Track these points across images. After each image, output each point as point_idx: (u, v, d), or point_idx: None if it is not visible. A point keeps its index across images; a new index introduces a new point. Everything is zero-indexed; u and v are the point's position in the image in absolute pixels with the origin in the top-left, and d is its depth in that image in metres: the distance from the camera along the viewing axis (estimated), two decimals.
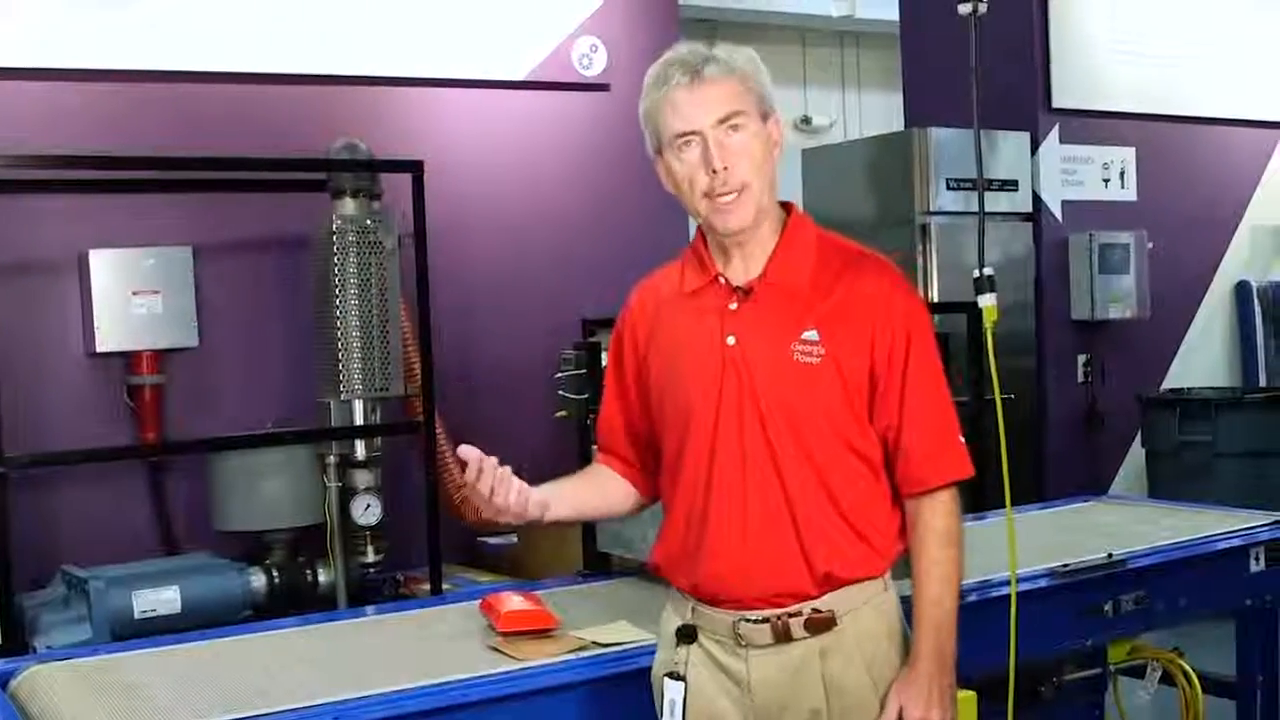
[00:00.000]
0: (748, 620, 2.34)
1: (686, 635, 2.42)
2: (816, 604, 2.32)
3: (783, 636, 2.32)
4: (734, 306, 2.37)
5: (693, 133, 2.31)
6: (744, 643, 2.35)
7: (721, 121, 2.30)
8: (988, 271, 3.14)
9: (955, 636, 2.35)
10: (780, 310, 2.34)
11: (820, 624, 2.32)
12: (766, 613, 2.33)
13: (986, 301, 3.12)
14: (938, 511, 2.35)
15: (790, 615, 2.32)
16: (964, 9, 3.35)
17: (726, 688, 2.38)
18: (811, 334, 2.31)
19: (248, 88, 5.45)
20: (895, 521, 2.38)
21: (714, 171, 2.30)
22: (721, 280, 2.40)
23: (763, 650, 2.34)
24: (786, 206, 2.44)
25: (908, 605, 2.41)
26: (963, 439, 2.39)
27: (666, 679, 2.43)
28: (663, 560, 2.48)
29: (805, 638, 2.32)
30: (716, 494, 2.35)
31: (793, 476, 2.30)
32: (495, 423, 5.87)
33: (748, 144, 2.31)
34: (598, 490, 2.63)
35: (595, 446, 2.72)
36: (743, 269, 2.39)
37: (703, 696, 2.39)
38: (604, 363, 4.57)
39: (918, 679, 2.31)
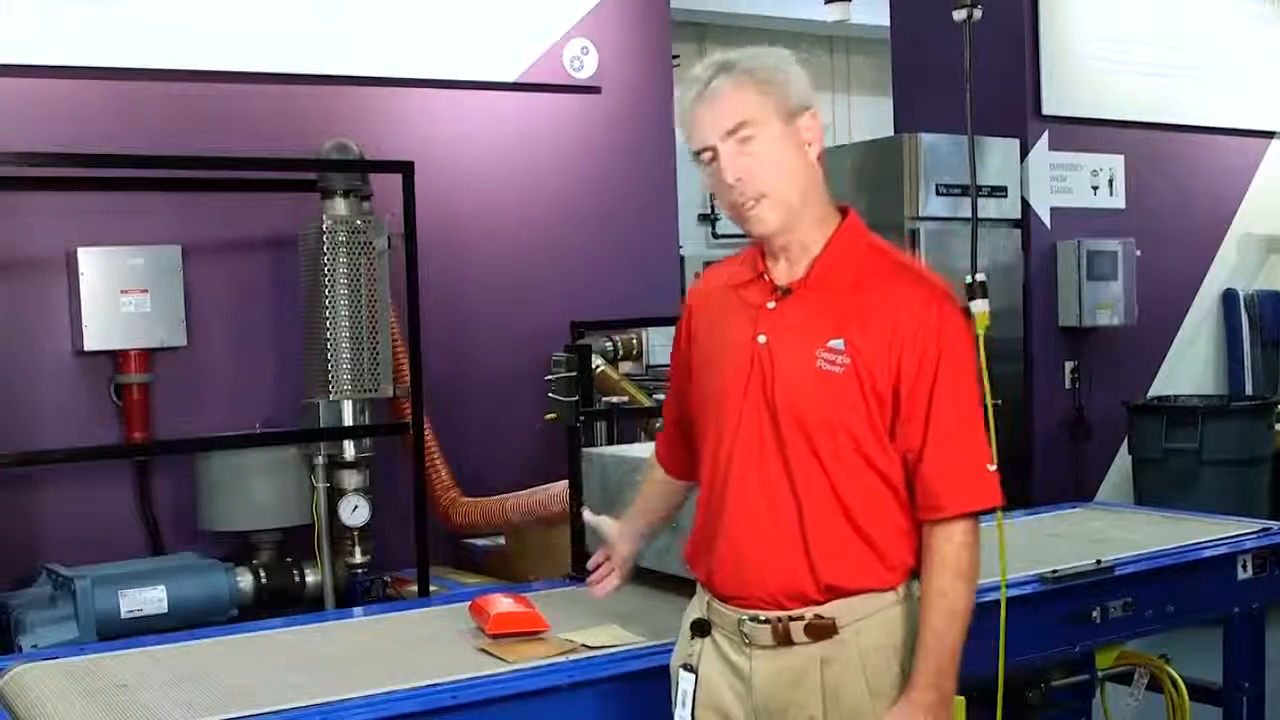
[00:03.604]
0: (752, 620, 2.35)
1: (701, 629, 2.45)
2: (820, 610, 2.31)
3: (783, 639, 2.33)
4: (771, 305, 2.36)
5: (706, 148, 2.32)
6: (748, 641, 2.36)
7: (730, 134, 2.29)
8: (980, 277, 3.14)
9: (956, 673, 2.31)
10: (813, 314, 2.33)
11: (821, 630, 2.31)
12: (769, 614, 2.33)
13: (979, 308, 3.11)
14: (951, 541, 2.29)
15: (792, 619, 2.32)
16: (958, 15, 3.35)
17: (732, 683, 2.39)
18: (838, 343, 2.28)
19: (239, 87, 5.44)
20: (913, 538, 2.35)
21: (729, 185, 2.31)
22: (766, 278, 2.40)
23: (765, 651, 2.35)
24: (844, 210, 2.43)
25: None
26: (993, 467, 2.33)
27: (681, 670, 2.47)
28: (689, 550, 2.51)
29: (806, 643, 2.32)
30: (732, 491, 2.36)
31: (804, 483, 2.30)
32: (484, 424, 5.88)
33: (763, 151, 2.29)
34: (658, 498, 2.81)
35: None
36: (788, 270, 2.38)
37: (711, 690, 2.41)
38: (594, 365, 4.59)
39: (911, 709, 2.29)
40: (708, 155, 2.32)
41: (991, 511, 2.35)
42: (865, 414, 2.28)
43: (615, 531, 2.84)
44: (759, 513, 2.33)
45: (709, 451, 2.41)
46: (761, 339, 2.34)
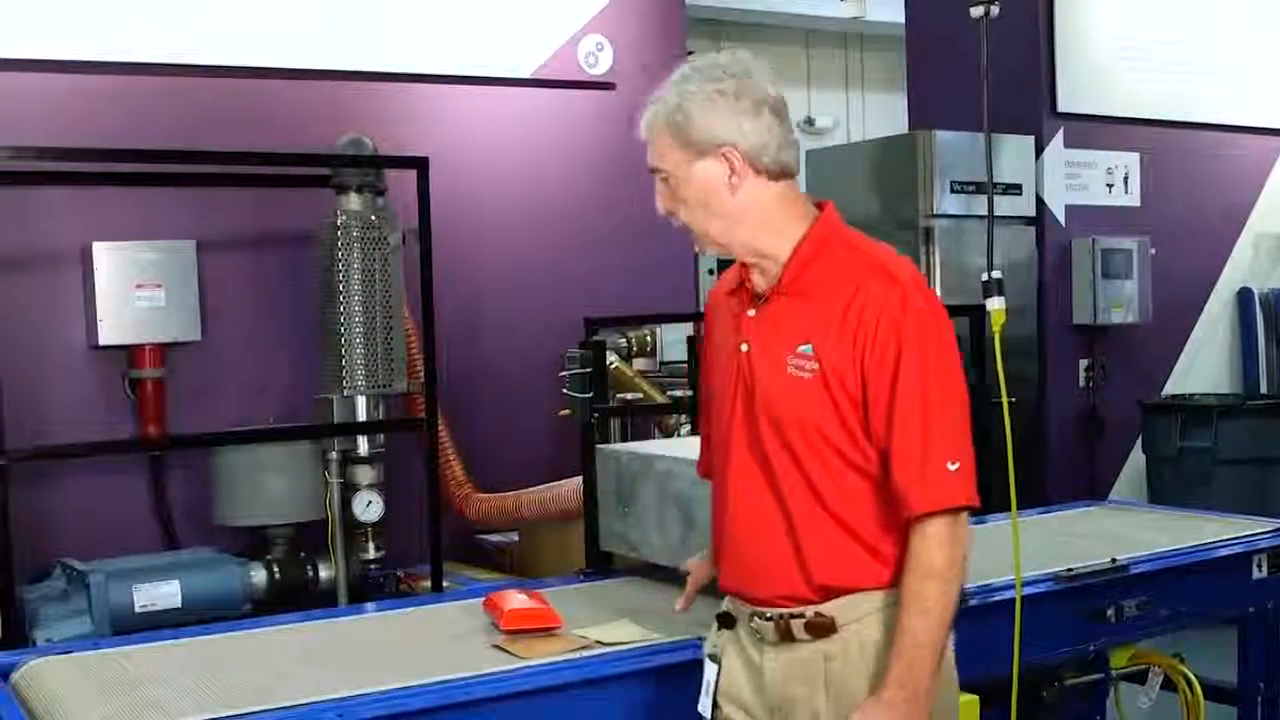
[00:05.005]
0: (759, 617, 2.40)
1: (727, 621, 2.51)
2: (819, 608, 2.34)
3: (786, 636, 2.37)
4: (751, 314, 2.41)
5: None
6: (759, 637, 2.41)
7: (653, 171, 2.40)
8: (996, 275, 3.14)
9: (930, 671, 2.26)
10: (785, 321, 2.35)
11: (820, 629, 2.34)
12: (772, 611, 2.38)
13: (995, 305, 3.11)
14: (925, 541, 2.26)
15: (793, 617, 2.36)
16: (976, 12, 3.34)
17: (750, 675, 2.45)
18: (806, 348, 2.30)
19: (254, 82, 5.44)
20: (904, 533, 2.32)
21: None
22: (747, 285, 2.44)
23: (773, 647, 2.40)
24: (821, 206, 2.43)
25: None
26: (955, 465, 2.25)
27: (707, 659, 2.54)
28: (713, 545, 2.58)
29: (807, 640, 2.35)
30: (730, 496, 2.42)
31: (789, 487, 2.32)
32: (498, 420, 5.88)
33: (679, 191, 2.38)
34: None
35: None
36: (763, 279, 2.41)
37: (732, 681, 2.48)
38: (608, 362, 4.59)
39: (879, 707, 2.26)
40: None
41: (968, 511, 2.29)
42: (838, 417, 2.29)
43: (693, 568, 2.86)
44: (752, 517, 2.39)
45: (715, 455, 2.50)
46: (744, 347, 2.39)
